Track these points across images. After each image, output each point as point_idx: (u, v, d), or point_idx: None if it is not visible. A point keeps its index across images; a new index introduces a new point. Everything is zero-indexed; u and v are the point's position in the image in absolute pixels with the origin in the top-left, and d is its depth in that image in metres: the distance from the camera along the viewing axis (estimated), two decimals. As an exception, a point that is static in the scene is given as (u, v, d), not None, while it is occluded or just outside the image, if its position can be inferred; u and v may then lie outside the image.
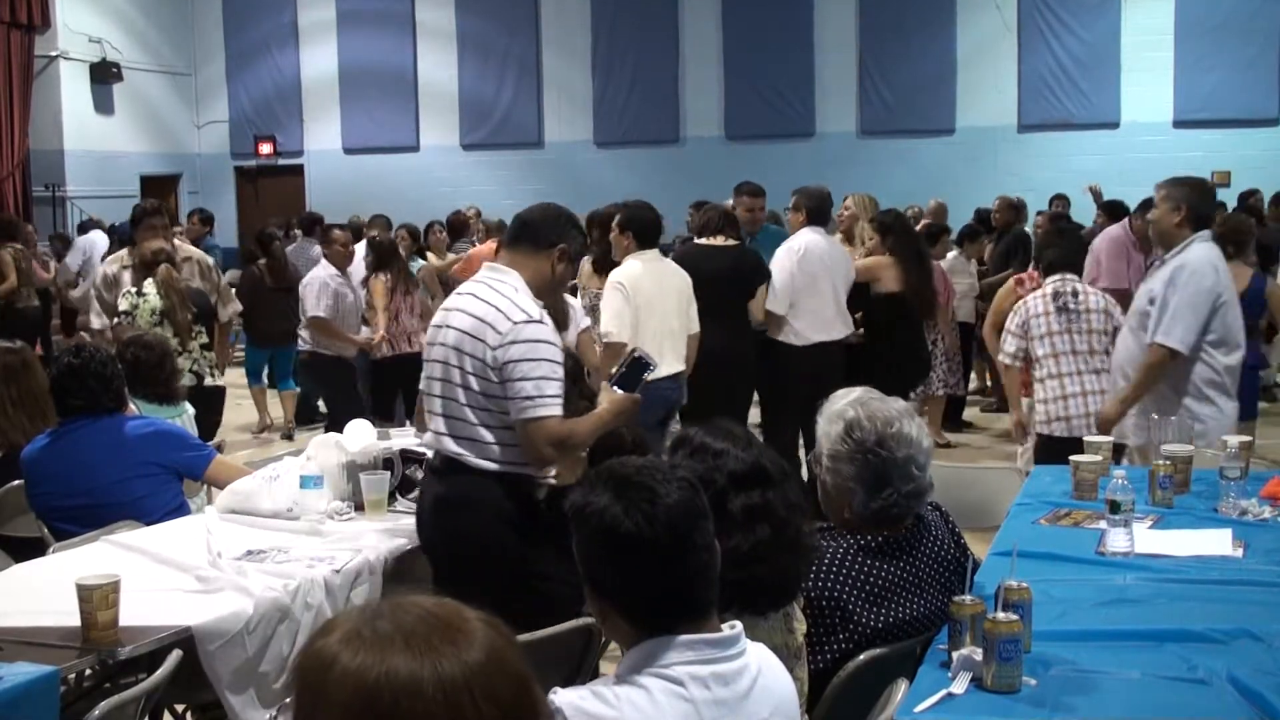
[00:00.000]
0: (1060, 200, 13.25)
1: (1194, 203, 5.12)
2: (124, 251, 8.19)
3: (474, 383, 3.61)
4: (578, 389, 4.31)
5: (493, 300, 3.64)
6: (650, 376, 3.83)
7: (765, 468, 2.61)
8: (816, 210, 7.09)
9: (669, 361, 5.86)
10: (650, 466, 2.16)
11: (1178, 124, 16.25)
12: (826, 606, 2.80)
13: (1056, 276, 5.87)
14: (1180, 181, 5.27)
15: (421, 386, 3.83)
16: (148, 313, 7.05)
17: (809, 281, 6.83)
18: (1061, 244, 6.24)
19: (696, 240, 6.95)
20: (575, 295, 6.91)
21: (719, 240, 6.78)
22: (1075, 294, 5.80)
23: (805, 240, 6.92)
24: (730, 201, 7.72)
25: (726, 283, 6.66)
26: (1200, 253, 5.05)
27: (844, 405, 3.02)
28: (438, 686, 1.31)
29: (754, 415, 7.36)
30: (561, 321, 5.48)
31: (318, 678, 1.35)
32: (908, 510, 2.97)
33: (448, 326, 3.69)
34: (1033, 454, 5.85)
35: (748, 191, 8.00)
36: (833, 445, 2.98)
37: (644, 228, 6.10)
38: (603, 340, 5.89)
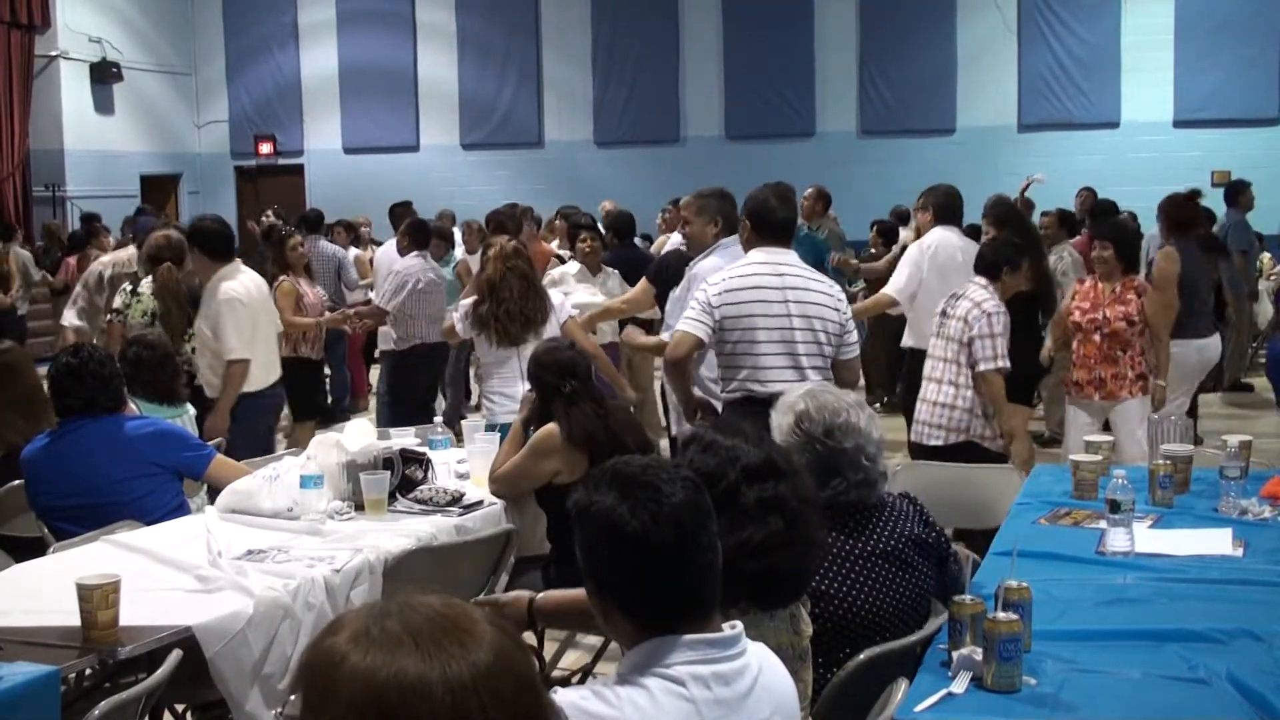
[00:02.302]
0: (1088, 192, 12.82)
1: (726, 213, 5.61)
2: (121, 254, 8.19)
3: (832, 340, 4.89)
4: (586, 388, 4.34)
5: (821, 278, 5.03)
6: None
7: (776, 462, 2.62)
8: (944, 207, 6.84)
9: None
10: (655, 465, 2.16)
11: (1178, 124, 16.26)
12: None
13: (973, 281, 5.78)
14: (708, 193, 5.73)
15: (751, 338, 4.82)
16: (139, 313, 6.74)
17: (941, 281, 6.49)
18: (992, 247, 6.08)
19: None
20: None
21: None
22: (958, 298, 5.63)
23: (936, 238, 6.72)
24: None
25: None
26: (715, 261, 5.42)
27: (796, 398, 3.11)
28: (446, 688, 1.31)
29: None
30: (545, 316, 5.66)
31: (326, 676, 1.35)
32: (859, 499, 3.03)
33: (804, 302, 4.86)
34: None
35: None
36: (784, 437, 3.05)
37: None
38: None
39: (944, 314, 5.63)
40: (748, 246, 5.03)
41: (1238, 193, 11.32)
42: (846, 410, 3.06)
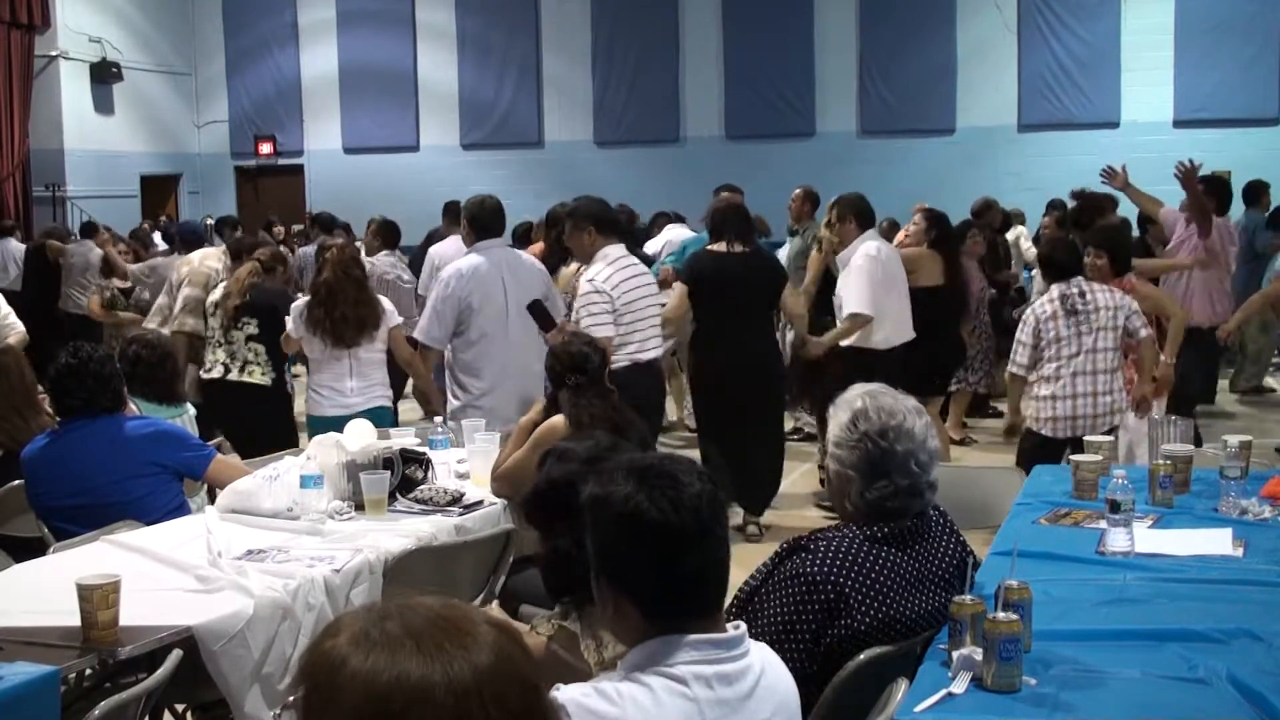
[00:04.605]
0: (1059, 211, 12.99)
1: (472, 214, 6.24)
2: (218, 250, 8.28)
3: None
4: (594, 382, 4.39)
5: None
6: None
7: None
8: (864, 214, 7.12)
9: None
10: (670, 458, 2.19)
11: (1178, 124, 16.25)
12: (828, 594, 2.80)
13: (1060, 284, 5.87)
14: (470, 201, 6.39)
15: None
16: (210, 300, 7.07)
17: (890, 285, 6.92)
18: (1054, 250, 6.22)
19: (709, 247, 6.93)
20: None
21: (733, 247, 6.78)
22: (1082, 294, 5.78)
23: (878, 244, 7.01)
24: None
25: (751, 289, 6.77)
26: (458, 265, 6.12)
27: (855, 395, 3.06)
28: (448, 690, 1.30)
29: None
30: (378, 321, 6.00)
31: (327, 679, 1.34)
32: (903, 506, 2.97)
33: (653, 282, 6.27)
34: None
35: (725, 189, 8.59)
36: (839, 433, 3.01)
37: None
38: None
39: (1073, 312, 5.74)
40: (596, 246, 5.94)
41: (1258, 194, 11.19)
42: (904, 414, 3.01)
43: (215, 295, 7.01)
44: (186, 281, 8.20)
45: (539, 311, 5.87)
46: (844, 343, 6.99)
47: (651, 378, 5.99)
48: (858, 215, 7.08)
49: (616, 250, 5.91)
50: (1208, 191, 8.11)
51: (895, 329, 7.01)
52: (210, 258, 8.40)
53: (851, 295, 6.93)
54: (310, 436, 5.69)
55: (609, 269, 5.82)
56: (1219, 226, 7.98)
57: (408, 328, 6.51)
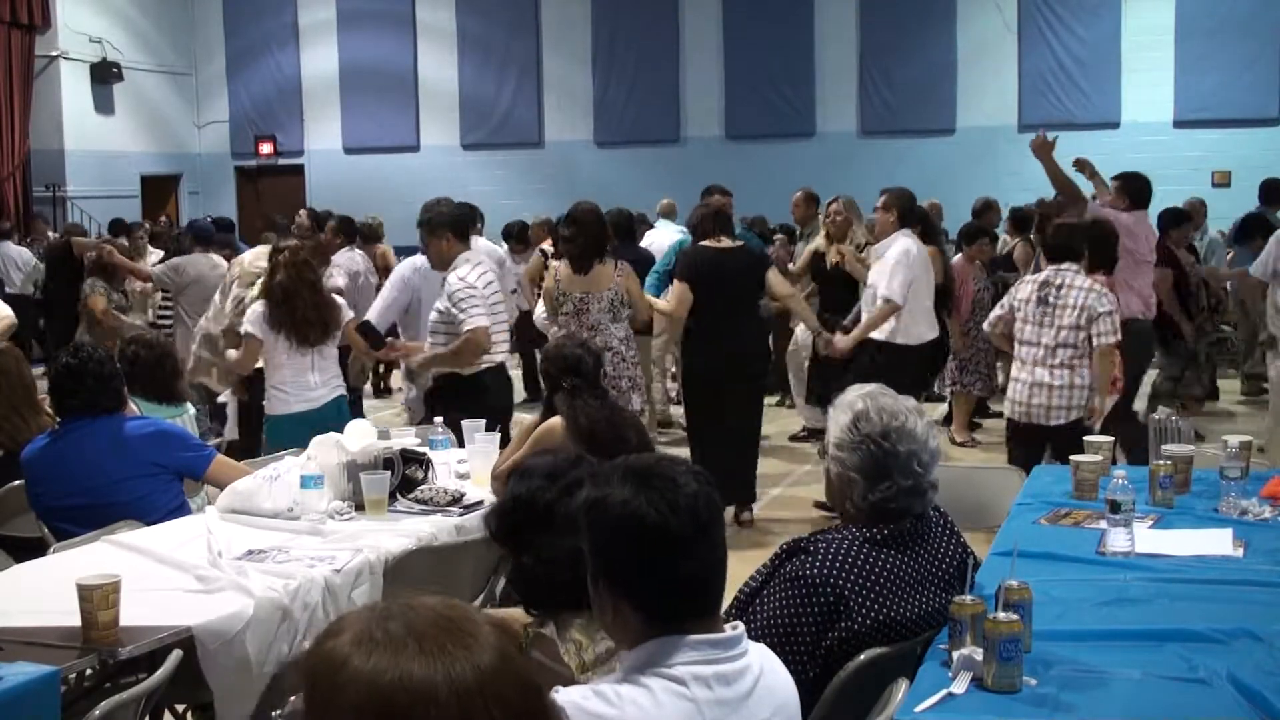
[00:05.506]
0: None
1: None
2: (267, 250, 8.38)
3: None
4: (589, 384, 4.39)
5: None
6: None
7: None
8: (908, 211, 7.21)
9: None
10: (668, 460, 2.19)
11: (1178, 124, 16.27)
12: (828, 597, 2.79)
13: (1052, 267, 5.97)
14: (427, 204, 6.54)
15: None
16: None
17: (920, 283, 7.05)
18: (1062, 233, 6.25)
19: (701, 243, 7.03)
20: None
21: (723, 242, 6.98)
22: (1060, 288, 5.84)
23: (910, 242, 7.08)
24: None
25: (745, 283, 6.94)
26: (413, 261, 6.59)
27: (855, 397, 3.04)
28: (451, 691, 1.30)
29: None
30: (339, 320, 6.13)
31: (328, 679, 1.33)
32: (906, 507, 2.96)
33: None
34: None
35: (718, 190, 8.74)
36: (839, 435, 3.00)
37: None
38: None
39: (1044, 302, 5.80)
40: (454, 251, 5.98)
41: (1277, 193, 10.92)
42: (905, 415, 3.00)
43: (254, 291, 7.05)
44: (235, 282, 8.31)
45: (367, 330, 6.36)
46: (878, 336, 7.02)
47: (505, 379, 6.19)
48: (901, 211, 7.15)
49: (476, 255, 6.14)
50: (1122, 188, 7.62)
51: (928, 326, 7.15)
52: (260, 258, 8.46)
53: (884, 282, 7.01)
54: (272, 436, 5.91)
55: (475, 270, 5.98)
56: (1121, 220, 7.24)
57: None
